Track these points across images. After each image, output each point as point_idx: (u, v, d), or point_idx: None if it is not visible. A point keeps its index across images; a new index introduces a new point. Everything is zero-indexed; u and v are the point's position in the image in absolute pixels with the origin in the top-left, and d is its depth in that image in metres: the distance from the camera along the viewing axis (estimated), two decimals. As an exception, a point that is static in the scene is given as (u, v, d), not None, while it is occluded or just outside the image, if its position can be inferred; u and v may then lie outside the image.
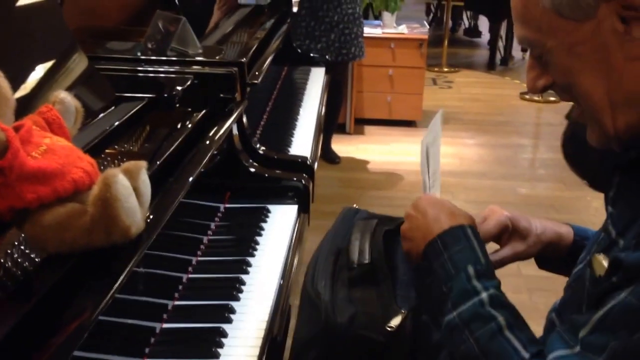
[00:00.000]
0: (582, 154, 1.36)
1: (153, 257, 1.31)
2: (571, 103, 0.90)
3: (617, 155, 0.87)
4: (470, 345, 0.86)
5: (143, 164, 0.92)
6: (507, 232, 1.09)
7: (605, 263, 0.79)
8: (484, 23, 8.04)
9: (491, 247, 1.13)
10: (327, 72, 3.21)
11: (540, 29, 0.80)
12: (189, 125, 1.47)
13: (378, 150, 4.65)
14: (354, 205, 1.24)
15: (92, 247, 0.84)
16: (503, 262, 1.09)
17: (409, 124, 5.10)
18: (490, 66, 7.14)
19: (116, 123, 1.31)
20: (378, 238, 1.10)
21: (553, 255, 1.12)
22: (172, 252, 1.40)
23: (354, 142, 4.77)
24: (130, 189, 0.86)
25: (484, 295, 0.89)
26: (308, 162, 1.87)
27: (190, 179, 1.28)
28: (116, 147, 1.34)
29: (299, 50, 3.38)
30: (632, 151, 0.83)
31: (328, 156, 4.39)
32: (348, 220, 1.16)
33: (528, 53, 0.88)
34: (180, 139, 1.38)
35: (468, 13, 8.58)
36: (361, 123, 5.04)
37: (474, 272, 0.91)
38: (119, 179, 0.83)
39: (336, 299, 1.02)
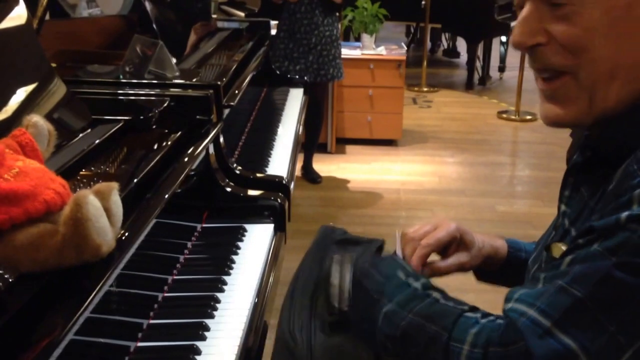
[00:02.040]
0: None
1: (129, 276, 1.33)
2: None
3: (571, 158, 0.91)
4: (411, 318, 0.86)
5: (114, 185, 0.95)
6: (455, 243, 1.10)
7: (564, 248, 0.82)
8: (462, 44, 8.16)
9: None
10: (305, 93, 3.26)
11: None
12: (165, 146, 1.49)
13: (359, 169, 4.69)
14: (330, 224, 1.24)
15: (63, 266, 0.86)
16: (449, 271, 1.10)
17: (389, 143, 5.16)
18: (468, 86, 7.23)
19: (92, 145, 1.33)
20: (355, 277, 1.04)
21: (490, 268, 1.15)
22: (148, 272, 1.42)
23: (335, 161, 4.81)
24: (101, 209, 0.88)
25: (417, 284, 0.91)
26: (284, 182, 1.90)
27: (165, 197, 1.30)
28: (92, 168, 1.36)
29: (278, 72, 3.42)
30: (588, 151, 0.86)
31: (309, 176, 4.43)
32: (325, 243, 1.13)
33: (526, 6, 0.83)
34: (155, 160, 1.41)
35: (446, 34, 8.69)
36: (342, 142, 5.09)
37: (404, 274, 0.93)
38: (90, 199, 0.85)
39: (314, 346, 0.99)
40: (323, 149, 4.88)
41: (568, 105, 0.81)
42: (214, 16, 4.93)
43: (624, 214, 0.72)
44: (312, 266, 1.08)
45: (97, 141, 1.35)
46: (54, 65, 2.02)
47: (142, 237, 1.48)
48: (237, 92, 2.10)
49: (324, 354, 0.98)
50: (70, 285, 0.89)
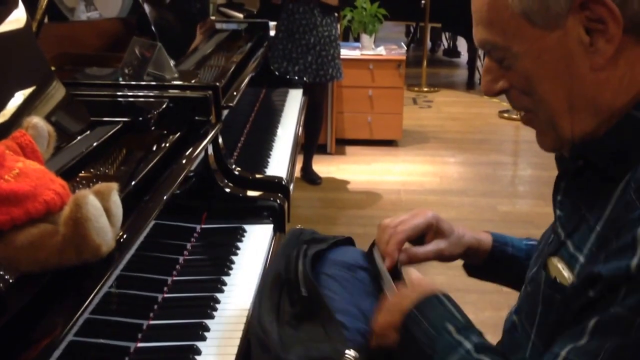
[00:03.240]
0: None
1: (129, 277, 1.34)
2: None
3: (563, 161, 0.90)
4: None
5: (114, 185, 0.95)
6: (432, 231, 1.12)
7: (560, 266, 0.82)
8: (462, 43, 8.16)
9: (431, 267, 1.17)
10: (304, 94, 3.26)
11: (505, 32, 0.81)
12: (164, 147, 1.49)
13: (359, 170, 4.70)
14: (298, 226, 1.25)
15: (64, 266, 0.86)
16: (427, 257, 1.12)
17: (389, 143, 5.16)
18: (469, 85, 7.24)
19: (91, 146, 1.34)
20: (307, 265, 1.09)
21: (475, 261, 1.16)
22: (148, 273, 1.42)
23: (335, 162, 4.81)
24: (101, 210, 0.89)
25: (469, 345, 0.89)
26: (283, 182, 1.90)
27: (164, 198, 1.30)
28: (91, 169, 1.37)
29: (277, 73, 3.43)
30: (578, 158, 0.85)
31: (309, 177, 4.43)
32: (291, 244, 1.15)
33: (485, 56, 0.88)
34: (154, 161, 1.41)
35: (447, 34, 8.70)
36: (342, 143, 5.09)
37: (454, 328, 0.91)
38: (90, 199, 0.86)
39: (284, 338, 1.00)
40: (323, 150, 4.89)
41: (543, 135, 0.87)
42: (213, 17, 4.95)
43: (634, 262, 0.70)
44: (278, 266, 1.11)
45: (96, 143, 1.36)
46: (53, 68, 2.03)
47: (141, 238, 1.49)
48: (235, 93, 2.10)
49: (296, 346, 0.98)
50: (70, 285, 0.90)
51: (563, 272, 0.82)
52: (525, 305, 0.92)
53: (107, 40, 2.52)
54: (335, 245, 1.19)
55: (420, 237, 1.13)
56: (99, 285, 0.92)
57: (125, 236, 1.05)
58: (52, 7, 3.17)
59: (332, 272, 1.11)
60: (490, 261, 1.15)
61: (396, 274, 1.08)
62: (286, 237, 1.23)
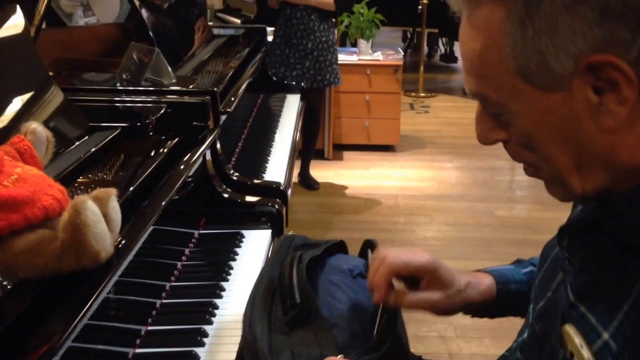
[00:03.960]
0: None
1: (127, 283, 1.33)
2: None
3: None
4: None
5: (113, 191, 0.95)
6: (428, 277, 1.01)
7: (577, 341, 0.73)
8: (459, 49, 8.17)
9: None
10: (302, 99, 3.27)
11: (500, 89, 0.71)
12: (162, 153, 1.49)
13: (357, 175, 4.70)
14: (291, 232, 1.25)
15: (62, 272, 0.86)
16: (414, 305, 1.01)
17: (387, 148, 5.16)
18: (466, 91, 7.25)
19: (89, 151, 1.34)
20: (302, 271, 1.07)
21: (482, 309, 1.07)
22: (146, 279, 1.42)
23: (332, 167, 4.81)
24: (100, 215, 0.88)
25: None
26: (281, 188, 1.90)
27: (162, 204, 1.30)
28: (89, 175, 1.36)
29: (274, 78, 3.43)
30: (593, 211, 0.77)
31: (306, 182, 4.43)
32: (283, 250, 1.14)
33: (477, 106, 0.78)
34: (153, 166, 1.41)
35: (444, 39, 8.72)
36: (340, 149, 5.09)
37: None
38: (89, 205, 0.86)
39: (274, 343, 0.98)
40: (320, 155, 4.89)
41: (552, 188, 0.78)
42: (210, 23, 4.95)
43: None
44: (271, 272, 1.10)
45: (94, 148, 1.36)
46: (51, 73, 2.03)
47: (139, 244, 1.49)
48: (233, 98, 2.10)
49: (285, 351, 0.97)
50: (69, 291, 0.89)
51: (582, 351, 0.72)
52: (532, 353, 0.87)
53: (105, 45, 2.52)
54: (329, 250, 1.19)
55: (415, 278, 1.02)
56: (98, 291, 0.91)
57: (123, 242, 1.05)
58: (50, 12, 3.17)
59: (334, 278, 1.10)
60: (496, 305, 1.06)
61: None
62: (278, 243, 1.23)
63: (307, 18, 3.95)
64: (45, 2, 1.87)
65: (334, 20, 4.18)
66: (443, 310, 1.03)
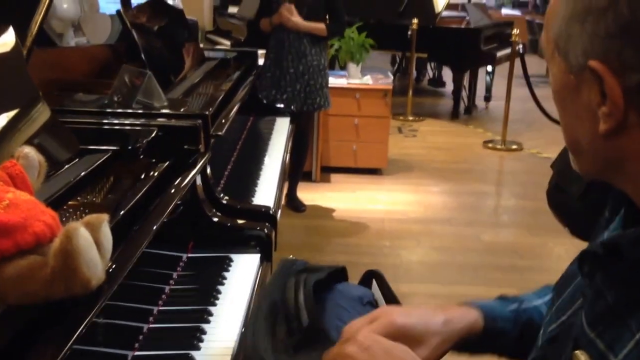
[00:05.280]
0: (565, 202, 1.38)
1: (113, 307, 1.33)
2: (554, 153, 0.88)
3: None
4: None
5: (105, 216, 0.95)
6: (401, 339, 0.94)
7: None
8: (447, 73, 8.26)
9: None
10: (292, 122, 3.28)
11: (548, 46, 0.77)
12: (153, 177, 1.49)
13: (344, 198, 4.71)
14: (291, 256, 1.24)
15: (52, 299, 0.86)
16: None
17: (374, 171, 5.18)
18: (454, 115, 7.30)
19: (79, 175, 1.34)
20: (309, 293, 1.06)
21: (465, 343, 1.02)
22: (133, 302, 1.42)
23: (320, 190, 4.82)
24: (92, 242, 0.88)
25: None
26: (271, 212, 1.90)
27: (153, 229, 1.30)
28: (79, 198, 1.36)
29: (265, 101, 3.44)
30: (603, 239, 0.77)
31: (293, 204, 4.43)
32: (284, 273, 1.13)
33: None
34: (143, 190, 1.41)
35: (432, 64, 8.80)
36: (327, 171, 5.11)
37: None
38: (81, 231, 0.86)
39: None
40: (307, 177, 4.90)
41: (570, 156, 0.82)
42: (201, 45, 4.97)
43: None
44: (273, 295, 1.09)
45: (84, 172, 1.35)
46: (41, 94, 2.03)
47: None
48: (224, 121, 2.11)
49: None
50: (58, 318, 0.89)
51: None
52: None
53: (96, 66, 2.53)
54: (333, 275, 1.18)
55: None
56: (88, 318, 0.91)
57: (114, 267, 1.05)
58: (41, 32, 3.18)
59: (344, 303, 1.10)
60: (481, 340, 1.03)
61: None
62: (278, 267, 1.22)
63: (298, 42, 3.98)
64: (38, 23, 1.88)
65: (326, 44, 4.21)
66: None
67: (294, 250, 3.82)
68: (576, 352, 0.75)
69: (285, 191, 4.45)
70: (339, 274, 1.21)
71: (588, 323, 0.76)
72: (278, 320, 1.06)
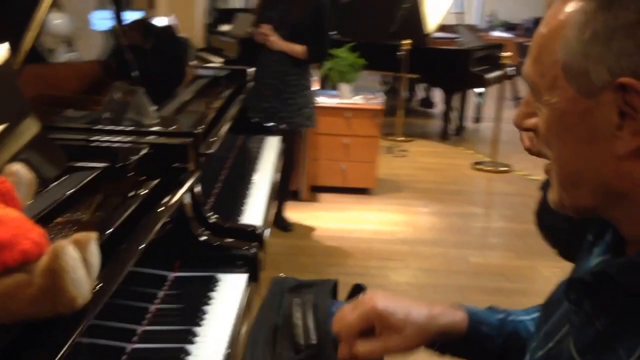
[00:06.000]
0: (554, 223, 1.37)
1: (97, 326, 1.32)
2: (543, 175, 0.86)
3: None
4: None
5: (93, 235, 0.95)
6: (379, 326, 0.97)
7: None
8: (437, 94, 8.31)
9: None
10: (282, 141, 3.29)
11: (544, 76, 0.74)
12: (141, 195, 1.49)
13: (332, 218, 4.71)
14: (281, 274, 1.24)
15: (37, 318, 0.85)
16: (369, 356, 0.97)
17: (363, 191, 5.19)
18: (443, 136, 7.34)
19: (68, 192, 1.33)
20: (323, 313, 1.05)
21: (446, 341, 1.03)
22: (117, 321, 1.41)
23: (308, 209, 4.82)
24: (79, 261, 0.88)
25: None
26: (258, 231, 1.90)
27: (140, 247, 1.30)
28: (68, 216, 1.36)
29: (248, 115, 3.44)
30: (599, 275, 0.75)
31: (281, 223, 4.43)
32: (278, 292, 1.13)
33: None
34: (131, 208, 1.41)
35: (422, 85, 8.86)
36: (316, 190, 5.11)
37: None
38: (68, 250, 0.86)
39: None
40: (296, 196, 4.90)
41: (552, 191, 0.80)
42: (193, 62, 4.98)
43: None
44: (268, 315, 1.08)
45: (72, 190, 1.35)
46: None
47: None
48: (214, 140, 2.12)
49: None
50: (42, 337, 0.89)
51: None
52: None
53: (87, 82, 2.53)
54: (327, 290, 1.16)
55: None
56: (72, 337, 0.91)
57: (100, 286, 1.05)
58: (32, 48, 3.18)
59: None
60: (464, 342, 1.03)
61: None
62: (270, 286, 1.21)
63: (281, 62, 4.04)
64: (31, 39, 1.89)
65: (309, 65, 4.22)
66: (402, 351, 0.99)
67: (281, 270, 3.79)
68: None
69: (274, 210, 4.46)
70: (331, 287, 1.21)
71: (577, 350, 0.76)
72: (277, 339, 1.04)
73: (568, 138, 0.74)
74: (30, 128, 1.45)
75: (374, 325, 0.97)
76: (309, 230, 4.50)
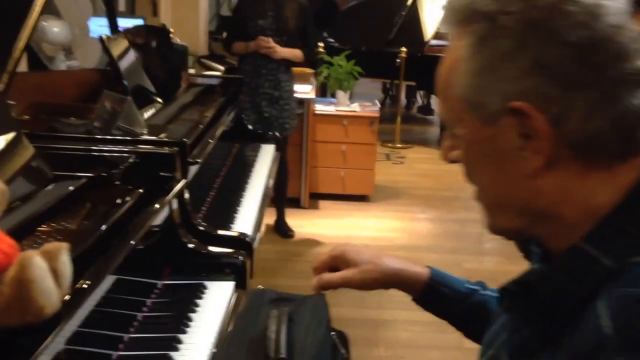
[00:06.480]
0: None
1: (85, 334, 1.33)
2: None
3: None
4: None
5: (64, 245, 0.96)
6: (341, 262, 1.11)
7: None
8: (436, 101, 8.31)
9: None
10: (277, 149, 3.30)
11: (451, 111, 0.79)
12: (126, 203, 1.51)
13: (331, 225, 4.71)
14: (259, 286, 1.25)
15: (6, 327, 0.86)
16: (333, 284, 1.10)
17: (361, 198, 5.20)
18: (441, 143, 7.32)
19: (50, 202, 1.35)
20: (300, 326, 1.06)
21: (412, 293, 1.11)
22: (105, 329, 1.42)
23: (308, 216, 4.82)
24: (46, 271, 0.89)
25: None
26: (247, 239, 1.91)
27: (120, 256, 1.31)
28: (54, 224, 1.37)
29: (250, 127, 3.46)
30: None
31: (282, 230, 4.45)
32: (257, 304, 1.14)
33: None
34: (115, 216, 1.42)
35: (421, 92, 8.86)
36: (316, 198, 5.11)
37: None
38: (35, 260, 0.87)
39: None
40: (296, 203, 4.91)
41: (484, 216, 0.83)
42: (193, 70, 5.01)
43: None
44: (245, 327, 1.09)
45: (55, 199, 1.37)
46: (27, 117, 2.05)
47: (101, 294, 1.49)
48: (204, 149, 2.13)
49: None
50: (14, 345, 0.90)
51: None
52: None
53: (85, 90, 2.55)
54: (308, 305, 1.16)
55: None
56: (43, 346, 0.92)
57: (74, 294, 1.05)
58: (32, 55, 3.21)
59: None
60: (427, 297, 1.10)
61: None
62: (248, 298, 1.21)
63: (276, 69, 4.06)
64: (21, 48, 1.90)
65: (289, 77, 4.25)
66: (360, 283, 1.09)
67: (280, 276, 3.82)
68: None
69: (273, 215, 4.46)
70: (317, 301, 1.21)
71: (509, 354, 0.79)
72: (253, 352, 1.04)
73: (483, 165, 0.78)
74: (13, 141, 1.46)
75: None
76: (309, 237, 4.50)
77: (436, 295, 1.09)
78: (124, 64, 2.28)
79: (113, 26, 2.80)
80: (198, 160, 1.99)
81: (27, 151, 1.43)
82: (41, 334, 0.92)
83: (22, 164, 1.39)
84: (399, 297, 3.54)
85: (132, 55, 2.43)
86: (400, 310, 3.49)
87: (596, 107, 0.69)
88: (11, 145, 1.39)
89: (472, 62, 0.73)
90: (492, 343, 0.87)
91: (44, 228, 1.34)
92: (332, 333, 1.14)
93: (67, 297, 1.02)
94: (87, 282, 1.15)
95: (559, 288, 0.73)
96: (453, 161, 0.84)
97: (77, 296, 1.08)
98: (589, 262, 0.71)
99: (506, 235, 0.83)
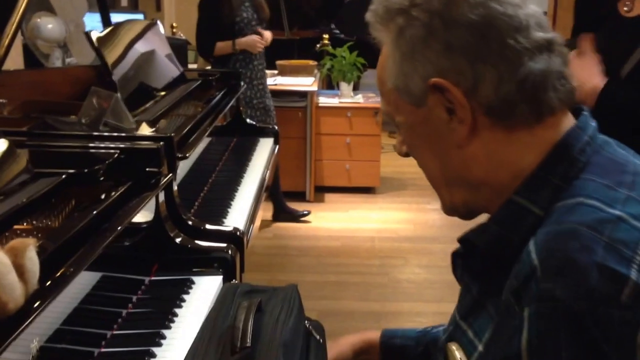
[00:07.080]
0: None
1: (68, 332, 1.33)
2: None
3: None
4: None
5: (30, 241, 0.96)
6: None
7: (458, 355, 0.84)
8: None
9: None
10: (275, 142, 3.28)
11: (390, 104, 0.86)
12: (107, 199, 1.49)
13: (337, 218, 4.70)
14: (234, 281, 1.25)
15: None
16: None
17: (367, 190, 5.18)
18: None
19: (26, 199, 1.34)
20: (269, 316, 1.07)
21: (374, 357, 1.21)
22: (90, 327, 1.41)
23: (314, 209, 4.80)
24: (10, 267, 0.88)
25: None
26: (237, 233, 1.89)
27: (97, 250, 1.30)
28: (35, 222, 1.37)
29: (248, 121, 3.45)
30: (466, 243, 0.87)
31: (290, 215, 4.50)
32: (229, 296, 1.15)
33: None
34: (96, 212, 1.41)
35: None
36: (321, 191, 5.10)
37: None
38: (-4, 257, 0.86)
39: None
40: (302, 197, 4.91)
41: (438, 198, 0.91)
42: (195, 65, 5.00)
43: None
44: (216, 319, 1.08)
45: (33, 196, 1.36)
46: (17, 115, 2.05)
47: (87, 291, 1.48)
48: (194, 143, 2.12)
49: None
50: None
51: None
52: None
53: (80, 87, 2.54)
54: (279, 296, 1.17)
55: None
56: (8, 341, 0.91)
57: (44, 289, 1.05)
58: (28, 53, 3.22)
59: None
60: (383, 354, 1.18)
61: None
62: (221, 291, 1.21)
63: (263, 59, 4.18)
64: (4, 47, 1.90)
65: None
66: None
67: (284, 270, 3.82)
68: (448, 344, 0.86)
69: (269, 210, 4.45)
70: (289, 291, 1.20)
71: (461, 316, 0.87)
72: (222, 342, 1.05)
73: (425, 147, 0.86)
74: None
75: None
76: (314, 230, 4.50)
77: (393, 348, 1.18)
78: (112, 58, 2.27)
79: (106, 21, 2.79)
80: (187, 154, 1.98)
81: (5, 147, 1.43)
82: (5, 330, 0.91)
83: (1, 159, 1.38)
84: (402, 290, 3.55)
85: (122, 50, 2.42)
86: (404, 302, 3.47)
87: (503, 75, 0.77)
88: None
89: (395, 54, 0.82)
90: (452, 319, 0.93)
91: (22, 226, 1.33)
92: (306, 322, 1.14)
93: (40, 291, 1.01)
94: (60, 277, 1.14)
95: (496, 238, 0.81)
96: (407, 154, 0.92)
97: (47, 291, 1.07)
98: (522, 212, 0.79)
99: (459, 214, 0.89)
